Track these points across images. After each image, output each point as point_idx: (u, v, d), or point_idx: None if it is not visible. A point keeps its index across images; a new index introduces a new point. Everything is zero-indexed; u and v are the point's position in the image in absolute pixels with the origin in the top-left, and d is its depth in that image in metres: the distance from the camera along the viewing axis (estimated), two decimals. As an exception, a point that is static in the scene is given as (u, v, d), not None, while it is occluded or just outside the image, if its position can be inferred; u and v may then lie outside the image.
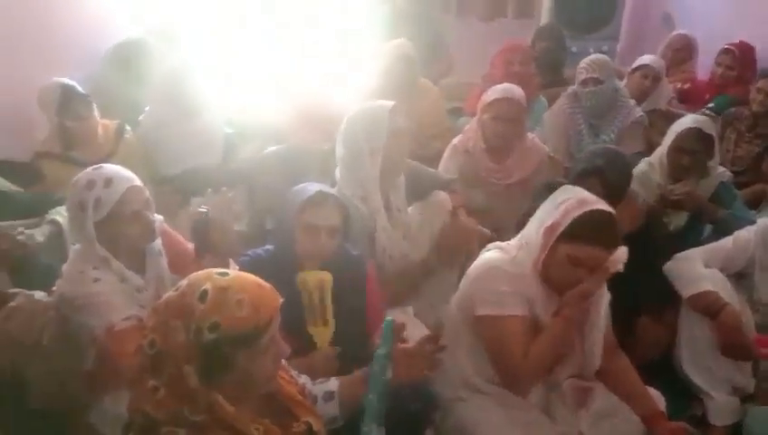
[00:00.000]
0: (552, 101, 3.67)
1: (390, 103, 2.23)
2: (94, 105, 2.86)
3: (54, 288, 1.83)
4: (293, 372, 1.50)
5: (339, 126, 2.29)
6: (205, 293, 1.18)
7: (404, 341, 1.60)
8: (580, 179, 2.30)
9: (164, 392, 1.17)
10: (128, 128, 2.99)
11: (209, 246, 1.91)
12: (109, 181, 1.79)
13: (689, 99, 4.08)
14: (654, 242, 2.43)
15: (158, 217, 2.00)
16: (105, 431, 1.82)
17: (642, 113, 3.44)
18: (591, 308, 1.88)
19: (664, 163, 2.83)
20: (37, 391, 1.73)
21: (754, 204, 3.03)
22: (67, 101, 2.76)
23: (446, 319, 2.07)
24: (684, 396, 2.29)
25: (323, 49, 3.76)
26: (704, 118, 3.00)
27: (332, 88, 3.38)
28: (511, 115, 2.84)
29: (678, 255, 2.40)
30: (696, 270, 2.32)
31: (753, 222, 2.49)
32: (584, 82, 3.35)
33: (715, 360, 2.25)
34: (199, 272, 1.25)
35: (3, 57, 2.81)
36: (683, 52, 4.32)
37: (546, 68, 4.11)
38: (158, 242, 1.96)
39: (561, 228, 1.77)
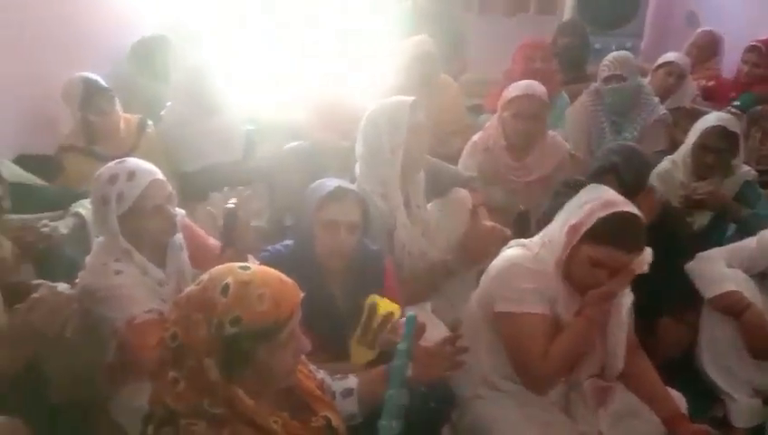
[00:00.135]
0: (573, 97, 3.63)
1: (410, 99, 2.22)
2: (117, 100, 2.89)
3: (77, 280, 1.85)
4: (312, 367, 1.51)
5: (358, 123, 2.29)
6: (227, 287, 1.18)
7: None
8: (597, 177, 2.28)
9: (184, 385, 1.18)
10: (150, 123, 3.02)
11: (234, 239, 1.93)
12: (131, 175, 1.81)
13: (714, 96, 4.03)
14: (677, 241, 2.40)
15: (180, 211, 2.02)
16: (124, 423, 1.85)
17: (666, 111, 3.40)
18: (613, 309, 1.86)
19: (687, 161, 2.80)
20: (58, 383, 1.76)
21: (779, 203, 2.98)
22: (90, 96, 2.79)
23: (466, 316, 2.07)
24: (705, 397, 2.27)
25: (340, 47, 3.77)
26: (729, 116, 2.96)
27: (351, 86, 3.39)
28: (532, 112, 2.82)
29: (701, 254, 2.37)
30: (719, 270, 2.29)
31: (777, 222, 2.45)
32: (607, 79, 3.31)
33: (736, 361, 2.23)
34: (221, 266, 1.25)
35: (27, 54, 2.84)
36: (708, 49, 4.27)
37: (568, 64, 4.08)
38: (180, 236, 1.97)
39: (585, 228, 1.75)
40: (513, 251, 1.94)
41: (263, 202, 2.92)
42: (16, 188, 2.28)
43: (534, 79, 2.98)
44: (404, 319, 1.52)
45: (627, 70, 3.28)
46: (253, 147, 3.13)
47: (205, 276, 1.23)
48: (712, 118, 2.81)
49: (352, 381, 1.55)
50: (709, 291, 2.26)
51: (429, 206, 2.40)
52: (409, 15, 4.24)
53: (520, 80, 2.97)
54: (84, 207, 2.33)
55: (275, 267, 1.30)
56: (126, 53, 3.48)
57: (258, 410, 1.22)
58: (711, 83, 4.14)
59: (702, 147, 2.73)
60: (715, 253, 2.36)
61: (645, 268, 1.77)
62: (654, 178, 2.66)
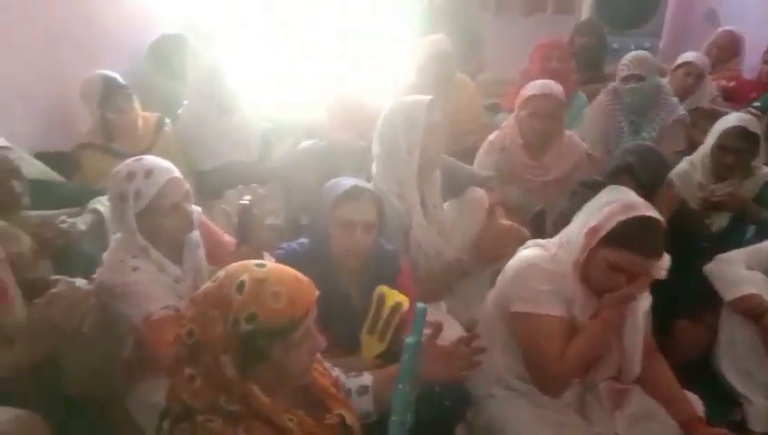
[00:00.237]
0: (591, 97, 3.61)
1: (427, 98, 2.22)
2: (135, 98, 2.91)
3: (95, 276, 1.86)
4: (327, 365, 1.51)
5: (375, 123, 2.29)
6: (242, 284, 1.19)
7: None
8: (613, 176, 2.26)
9: (200, 381, 1.18)
10: (167, 121, 3.04)
11: (249, 236, 1.93)
12: (149, 173, 1.81)
13: (734, 97, 3.99)
14: (694, 242, 2.38)
15: (197, 209, 2.03)
16: (140, 419, 1.86)
17: (684, 111, 3.37)
18: (629, 312, 1.84)
19: (706, 162, 2.77)
20: (75, 377, 1.77)
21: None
22: (108, 94, 2.81)
23: (481, 316, 2.06)
24: (723, 400, 2.25)
25: (354, 47, 3.77)
26: (749, 116, 2.92)
27: (367, 85, 3.40)
28: (549, 111, 2.81)
29: (720, 256, 2.35)
30: (739, 272, 2.26)
31: (798, 224, 2.42)
32: (626, 79, 3.29)
33: (755, 364, 2.21)
34: (237, 263, 1.26)
35: (46, 52, 2.86)
36: (729, 49, 4.23)
37: (585, 64, 4.05)
38: (196, 233, 1.98)
39: (604, 232, 1.73)
40: (530, 251, 1.93)
41: (279, 201, 2.93)
42: (35, 185, 2.30)
43: (551, 78, 2.97)
44: (415, 312, 1.47)
45: (646, 69, 3.26)
46: (269, 146, 3.14)
47: (221, 273, 1.24)
48: (732, 118, 2.79)
49: (367, 378, 1.55)
50: (729, 293, 2.24)
51: (445, 205, 2.40)
52: (426, 15, 4.24)
53: (536, 79, 2.96)
54: (102, 204, 2.35)
55: (291, 265, 1.30)
56: (144, 51, 3.50)
57: (273, 407, 1.22)
58: (731, 84, 4.10)
59: (721, 148, 2.71)
60: (735, 255, 2.34)
61: (663, 274, 1.75)
62: (672, 180, 2.64)
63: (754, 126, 2.73)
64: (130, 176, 1.81)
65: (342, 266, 1.90)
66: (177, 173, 1.87)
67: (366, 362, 1.78)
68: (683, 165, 2.87)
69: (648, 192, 2.11)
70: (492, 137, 3.01)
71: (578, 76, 3.85)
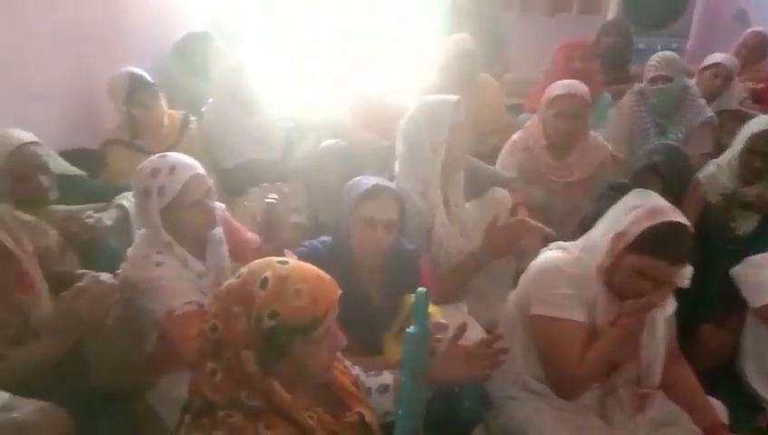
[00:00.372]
0: (616, 98, 3.58)
1: (453, 98, 2.21)
2: (161, 95, 2.94)
3: (119, 271, 1.89)
4: (347, 363, 1.51)
5: (397, 123, 2.29)
6: (265, 281, 1.19)
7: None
8: (639, 177, 2.24)
9: (222, 376, 1.19)
10: (192, 119, 3.07)
11: (273, 234, 1.94)
12: (173, 169, 1.83)
13: (763, 99, 3.93)
14: (719, 246, 2.34)
15: (220, 206, 2.04)
16: (162, 412, 1.88)
17: (712, 114, 3.32)
18: (648, 319, 1.82)
19: (734, 166, 2.73)
20: (99, 370, 1.80)
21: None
22: (134, 90, 2.85)
23: (502, 317, 2.05)
24: (747, 407, 2.22)
25: (381, 46, 3.76)
26: (778, 119, 2.87)
27: (392, 85, 3.39)
28: (574, 111, 2.79)
29: (749, 259, 2.32)
30: (767, 277, 2.22)
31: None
32: (653, 80, 3.25)
33: (781, 370, 2.17)
34: (261, 260, 1.26)
35: (73, 51, 2.90)
36: (758, 50, 4.16)
37: (611, 65, 4.01)
38: (220, 230, 2.00)
39: (630, 237, 1.71)
40: (552, 254, 1.91)
41: (302, 199, 2.94)
42: (62, 180, 2.34)
43: (575, 79, 2.94)
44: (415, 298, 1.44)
45: (673, 70, 3.22)
46: (291, 145, 3.15)
47: (244, 270, 1.25)
48: (761, 121, 2.74)
49: (387, 377, 1.55)
50: (758, 300, 2.20)
51: (468, 205, 2.39)
52: (450, 15, 4.23)
53: (560, 80, 2.94)
54: (128, 200, 2.37)
55: (313, 263, 1.30)
56: (169, 50, 3.54)
57: (294, 403, 1.23)
58: (760, 86, 4.03)
59: (750, 151, 2.66)
60: (763, 259, 2.29)
61: (686, 283, 1.73)
62: (699, 180, 2.60)
63: (784, 129, 2.68)
64: (154, 172, 1.83)
65: (363, 265, 1.90)
66: (200, 170, 1.89)
67: (389, 363, 1.78)
68: (710, 168, 2.83)
69: (674, 192, 2.08)
70: (515, 137, 3.00)
71: (603, 77, 3.81)
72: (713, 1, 5.24)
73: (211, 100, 3.14)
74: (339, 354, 1.42)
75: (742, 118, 3.20)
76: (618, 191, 1.91)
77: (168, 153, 1.92)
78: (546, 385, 1.87)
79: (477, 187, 2.43)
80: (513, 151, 2.96)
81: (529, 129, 2.96)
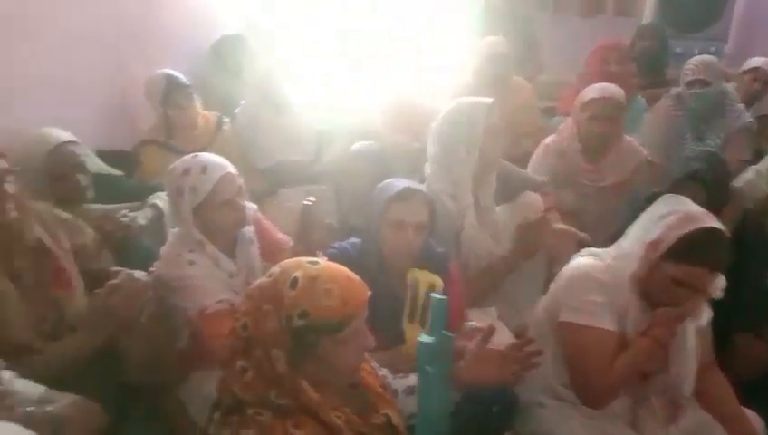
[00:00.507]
0: (652, 102, 3.52)
1: (488, 100, 2.20)
2: (195, 96, 2.98)
3: (152, 269, 1.91)
4: (375, 364, 1.51)
5: (428, 125, 2.29)
6: (295, 280, 1.20)
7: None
8: (680, 186, 2.19)
9: (252, 374, 1.20)
10: (226, 120, 3.10)
11: (309, 236, 1.95)
12: (204, 169, 1.86)
13: (805, 104, 3.81)
14: (756, 253, 2.28)
15: (252, 206, 2.06)
16: (192, 408, 1.90)
17: (751, 119, 3.25)
18: (679, 331, 1.79)
19: (775, 172, 2.66)
20: (131, 366, 1.83)
21: None
22: (170, 91, 2.89)
23: (532, 322, 2.03)
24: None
25: (414, 47, 3.76)
26: (820, 124, 2.80)
27: (423, 87, 3.39)
28: (608, 115, 2.75)
29: None
30: None
31: None
32: (690, 84, 3.19)
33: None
34: (291, 259, 1.27)
35: (110, 52, 2.95)
36: (800, 54, 4.04)
37: (647, 68, 3.94)
38: (250, 229, 2.02)
39: (666, 246, 1.68)
40: (584, 260, 1.88)
41: (332, 201, 2.96)
42: (98, 179, 2.38)
43: (609, 81, 2.90)
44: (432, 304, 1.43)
45: (711, 74, 3.16)
46: (322, 147, 3.17)
47: (275, 269, 1.26)
48: (803, 126, 2.67)
49: (413, 379, 1.55)
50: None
51: (499, 209, 2.37)
52: (483, 16, 4.20)
53: (594, 82, 2.90)
54: (162, 199, 2.41)
55: (342, 265, 1.31)
56: (204, 51, 3.58)
57: (322, 403, 1.23)
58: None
59: (791, 156, 2.60)
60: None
61: (719, 293, 1.70)
62: (738, 188, 2.54)
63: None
64: (186, 172, 1.86)
65: (392, 267, 1.90)
66: (231, 169, 1.91)
67: (409, 352, 1.78)
68: (749, 174, 2.76)
69: (716, 200, 2.04)
70: (548, 140, 2.96)
71: (639, 80, 3.75)
72: (753, 4, 5.12)
73: (244, 101, 3.18)
74: (366, 355, 1.42)
75: (782, 123, 3.14)
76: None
77: (199, 153, 1.94)
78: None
79: (509, 190, 2.41)
80: (546, 155, 2.92)
81: (562, 132, 2.93)
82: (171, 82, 2.90)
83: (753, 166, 2.84)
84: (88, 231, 2.03)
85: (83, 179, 2.25)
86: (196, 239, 1.88)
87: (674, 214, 1.71)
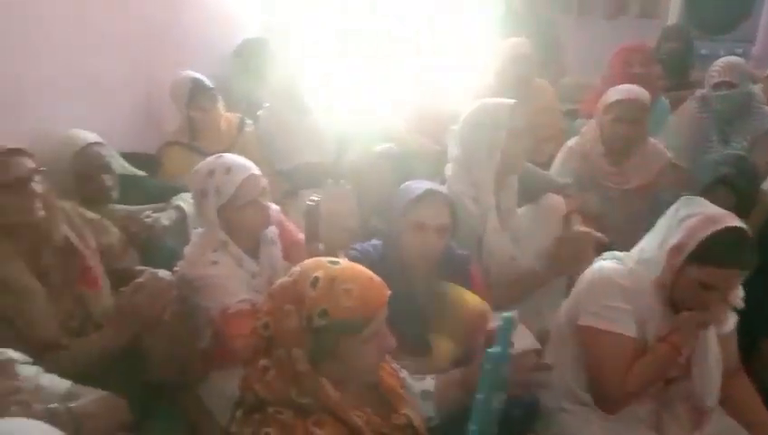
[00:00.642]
0: (676, 105, 3.48)
1: (511, 101, 2.19)
2: (219, 98, 3.01)
3: (176, 268, 1.94)
4: (395, 365, 1.51)
5: (447, 127, 2.28)
6: (316, 280, 1.21)
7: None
8: (709, 191, 2.16)
9: (273, 374, 1.21)
10: (249, 122, 3.13)
11: (317, 235, 1.96)
12: (228, 170, 1.88)
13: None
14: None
15: (275, 207, 2.08)
16: (212, 406, 1.92)
17: (778, 121, 3.19)
18: (700, 339, 1.76)
19: (802, 175, 2.61)
20: (154, 364, 1.85)
21: None
22: (194, 94, 2.93)
23: (553, 326, 2.01)
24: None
25: (435, 50, 3.75)
26: None
27: (444, 89, 3.38)
28: (633, 117, 2.72)
29: None
30: None
31: None
32: (716, 86, 3.15)
33: None
34: (313, 259, 1.28)
35: (135, 55, 2.98)
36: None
37: (672, 70, 3.90)
38: (273, 230, 2.03)
39: (689, 249, 1.66)
40: (606, 264, 1.86)
41: (353, 203, 2.96)
42: (123, 180, 2.42)
43: (633, 83, 2.87)
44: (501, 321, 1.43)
45: (737, 76, 3.11)
46: (345, 148, 3.18)
47: (296, 269, 1.26)
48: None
49: (430, 383, 1.55)
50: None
51: (520, 211, 2.36)
52: (505, 19, 4.19)
53: (618, 84, 2.87)
54: (185, 201, 2.43)
55: (363, 266, 1.31)
56: (227, 54, 3.62)
57: (342, 403, 1.24)
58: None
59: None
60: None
61: (740, 303, 1.69)
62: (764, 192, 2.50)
63: None
64: (211, 173, 1.88)
65: (413, 269, 1.90)
66: (254, 170, 1.93)
67: (437, 361, 1.78)
68: (776, 178, 2.71)
69: (746, 204, 2.01)
70: (571, 143, 2.94)
71: (664, 82, 3.71)
72: (782, 4, 5.03)
73: (267, 104, 3.20)
74: (387, 356, 1.42)
75: (810, 126, 3.08)
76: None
77: (223, 154, 1.96)
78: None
79: (531, 192, 2.40)
80: (569, 158, 2.90)
81: (586, 135, 2.91)
82: (196, 85, 2.94)
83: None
84: (113, 231, 2.05)
85: (108, 180, 2.29)
86: (219, 239, 1.89)
87: (694, 216, 1.69)
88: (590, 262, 1.95)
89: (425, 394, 1.52)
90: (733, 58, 3.27)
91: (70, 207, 1.94)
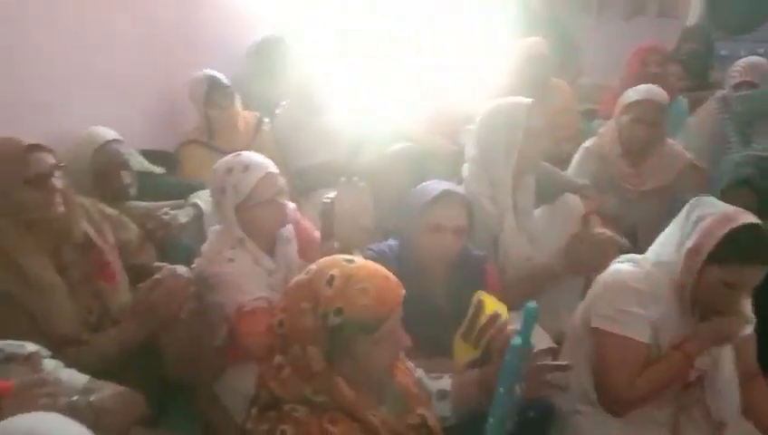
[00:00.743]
0: (696, 106, 3.45)
1: (528, 101, 2.18)
2: (237, 96, 3.03)
3: (194, 266, 1.95)
4: (410, 364, 1.51)
5: (462, 126, 2.27)
6: (332, 278, 1.21)
7: None
8: (730, 193, 2.13)
9: (289, 371, 1.22)
10: (266, 120, 3.14)
11: (332, 232, 1.96)
12: (246, 168, 1.89)
13: None
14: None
15: (291, 206, 2.08)
16: (227, 403, 1.93)
17: (801, 122, 3.15)
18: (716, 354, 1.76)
19: (825, 177, 2.57)
20: (171, 361, 1.86)
21: None
22: (211, 92, 2.94)
23: (569, 329, 2.00)
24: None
25: (451, 50, 3.74)
26: None
27: (460, 88, 3.37)
28: (652, 118, 2.70)
29: None
30: None
31: None
32: (736, 86, 3.12)
33: None
34: (329, 258, 1.28)
35: (153, 54, 3.00)
36: None
37: (692, 71, 3.86)
38: (289, 228, 2.04)
39: (707, 250, 1.64)
40: (623, 267, 1.84)
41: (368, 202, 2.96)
42: (141, 177, 2.43)
43: (649, 83, 2.85)
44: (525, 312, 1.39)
45: (758, 76, 3.10)
46: (360, 147, 3.18)
47: (313, 267, 1.27)
48: None
49: (446, 382, 1.54)
50: None
51: (537, 211, 2.35)
52: (521, 19, 4.17)
53: (635, 85, 2.85)
54: (202, 199, 2.44)
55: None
56: (244, 53, 3.63)
57: (357, 401, 1.24)
58: None
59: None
60: None
61: (750, 330, 1.71)
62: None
63: None
64: (229, 171, 1.89)
65: (429, 269, 1.90)
66: (272, 169, 1.93)
67: (454, 366, 1.76)
68: (798, 179, 2.67)
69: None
70: (588, 144, 2.93)
71: (685, 83, 3.67)
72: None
73: (284, 102, 3.21)
74: (402, 355, 1.42)
75: (834, 128, 3.04)
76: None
77: (242, 152, 1.97)
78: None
79: (549, 193, 2.39)
80: (587, 159, 2.88)
81: (604, 135, 2.89)
82: (213, 83, 2.95)
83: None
84: (132, 227, 2.07)
85: (127, 177, 2.31)
86: (237, 237, 1.90)
87: (709, 216, 1.67)
88: (607, 264, 1.93)
89: (441, 393, 1.52)
90: (754, 58, 3.25)
91: (89, 203, 1.96)
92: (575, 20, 4.70)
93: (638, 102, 2.72)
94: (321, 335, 1.20)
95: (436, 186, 1.89)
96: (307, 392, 1.21)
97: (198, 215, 2.43)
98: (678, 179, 2.78)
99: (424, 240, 1.86)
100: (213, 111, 2.96)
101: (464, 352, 1.79)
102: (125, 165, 2.31)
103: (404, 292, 1.28)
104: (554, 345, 1.94)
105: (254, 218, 1.90)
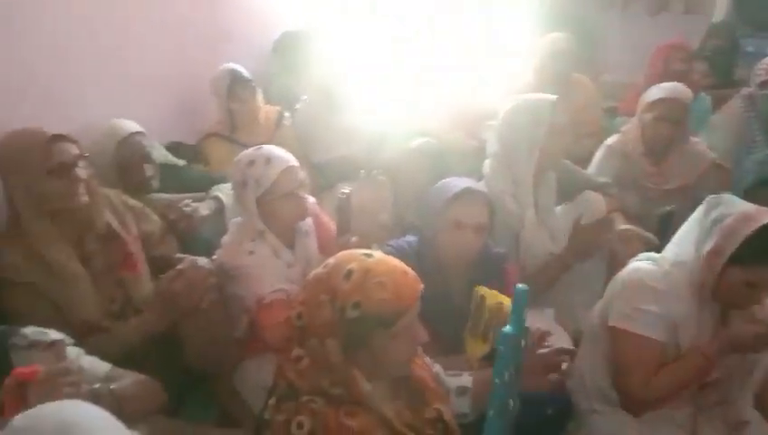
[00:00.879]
0: (720, 103, 3.39)
1: (552, 97, 2.17)
2: (258, 90, 3.04)
3: (214, 257, 1.96)
4: (428, 359, 1.51)
5: (483, 123, 2.26)
6: (350, 272, 1.22)
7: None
8: (753, 193, 2.10)
9: (307, 363, 1.22)
10: (287, 114, 3.15)
11: (348, 226, 1.97)
12: (268, 161, 1.90)
13: None
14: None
15: (311, 200, 2.09)
16: (245, 393, 1.95)
17: (827, 121, 3.09)
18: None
19: None
20: (191, 352, 1.88)
21: None
22: (233, 85, 2.96)
23: (587, 326, 1.99)
24: None
25: (470, 47, 3.72)
26: None
27: (481, 85, 3.36)
28: (676, 116, 2.67)
29: None
30: None
31: None
32: (763, 84, 3.06)
33: None
34: (348, 251, 1.29)
35: (175, 48, 3.01)
36: None
37: (717, 68, 3.80)
38: (309, 221, 2.05)
39: (729, 251, 1.62)
40: (642, 265, 1.82)
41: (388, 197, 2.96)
42: (163, 169, 2.45)
43: (673, 81, 2.81)
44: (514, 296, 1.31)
45: (786, 74, 3.02)
46: (380, 142, 3.18)
47: (331, 260, 1.27)
48: None
49: (467, 379, 1.54)
50: None
51: (559, 209, 2.33)
52: (542, 16, 4.13)
53: (658, 83, 2.82)
54: (223, 192, 2.46)
55: None
56: (266, 48, 3.64)
57: (373, 394, 1.24)
58: None
59: None
60: None
61: None
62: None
63: None
64: (251, 163, 1.90)
65: (449, 266, 1.89)
66: (293, 162, 1.94)
67: (469, 362, 1.77)
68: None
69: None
70: (610, 141, 2.90)
71: (710, 80, 3.62)
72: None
73: (305, 97, 3.22)
74: (419, 350, 1.42)
75: None
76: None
77: (263, 146, 1.98)
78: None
79: (570, 190, 2.37)
80: (610, 156, 2.85)
81: (627, 133, 2.86)
82: (234, 76, 2.97)
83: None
84: (154, 218, 2.09)
85: (149, 169, 2.32)
86: (257, 229, 1.92)
87: (728, 216, 1.64)
88: (633, 255, 1.92)
89: (461, 390, 1.51)
90: (781, 55, 3.18)
91: (113, 194, 1.98)
92: (599, 16, 4.65)
93: (662, 100, 2.68)
94: (339, 328, 1.20)
95: (457, 183, 1.88)
96: (324, 384, 1.21)
97: (220, 207, 2.44)
98: (701, 179, 2.74)
99: (444, 237, 1.85)
100: (235, 104, 2.98)
101: (475, 348, 1.79)
102: (148, 157, 2.34)
103: (422, 287, 1.28)
104: (573, 348, 1.92)
105: (275, 211, 1.91)
